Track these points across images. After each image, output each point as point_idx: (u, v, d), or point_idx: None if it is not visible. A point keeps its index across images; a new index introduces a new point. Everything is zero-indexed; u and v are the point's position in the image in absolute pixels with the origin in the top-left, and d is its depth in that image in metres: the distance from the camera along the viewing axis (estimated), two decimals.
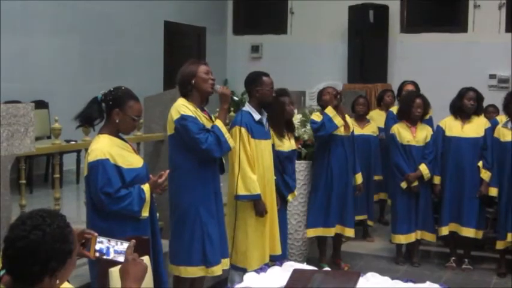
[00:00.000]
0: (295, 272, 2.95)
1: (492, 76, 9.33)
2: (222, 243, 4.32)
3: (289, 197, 5.31)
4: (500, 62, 9.18)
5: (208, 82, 4.12)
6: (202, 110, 4.20)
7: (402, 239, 6.19)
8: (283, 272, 3.07)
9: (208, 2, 10.76)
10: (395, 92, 7.49)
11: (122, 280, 2.23)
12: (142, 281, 2.24)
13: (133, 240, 2.33)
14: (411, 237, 6.15)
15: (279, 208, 4.99)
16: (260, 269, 3.16)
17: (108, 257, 2.33)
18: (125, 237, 2.71)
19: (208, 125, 4.15)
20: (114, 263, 2.44)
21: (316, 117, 5.86)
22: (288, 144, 5.22)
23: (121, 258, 2.30)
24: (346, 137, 5.93)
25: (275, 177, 4.96)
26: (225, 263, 4.35)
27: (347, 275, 3.34)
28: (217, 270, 4.22)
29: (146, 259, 3.02)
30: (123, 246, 2.33)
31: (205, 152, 4.06)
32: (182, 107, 4.07)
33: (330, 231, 5.97)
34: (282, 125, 5.18)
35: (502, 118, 6.31)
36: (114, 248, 2.33)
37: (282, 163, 5.19)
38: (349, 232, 6.02)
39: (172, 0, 9.91)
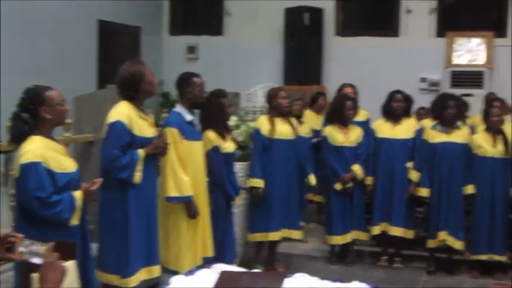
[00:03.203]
0: (224, 274, 2.94)
1: (423, 79, 9.54)
2: (151, 251, 4.20)
3: (238, 200, 5.30)
4: (431, 65, 9.41)
5: (155, 82, 4.15)
6: (145, 112, 4.14)
7: (339, 239, 6.29)
8: (212, 274, 3.04)
9: (143, 2, 10.60)
10: (333, 94, 7.53)
11: (40, 283, 2.15)
12: (60, 284, 2.17)
13: (52, 243, 2.26)
14: (347, 238, 6.27)
15: (223, 211, 5.03)
16: (189, 272, 3.13)
17: (23, 259, 2.26)
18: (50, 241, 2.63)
19: (148, 131, 4.09)
20: (34, 266, 2.36)
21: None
22: (231, 145, 5.20)
23: (37, 260, 2.23)
24: None
25: (223, 179, 5.01)
26: (155, 271, 4.23)
27: (274, 275, 3.36)
28: (131, 281, 4.04)
29: (71, 263, 2.93)
30: (38, 247, 2.25)
31: (110, 166, 3.98)
32: (122, 113, 3.98)
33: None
34: (222, 126, 5.15)
35: (427, 122, 6.49)
36: (29, 249, 2.26)
37: (229, 164, 5.15)
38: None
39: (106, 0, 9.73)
